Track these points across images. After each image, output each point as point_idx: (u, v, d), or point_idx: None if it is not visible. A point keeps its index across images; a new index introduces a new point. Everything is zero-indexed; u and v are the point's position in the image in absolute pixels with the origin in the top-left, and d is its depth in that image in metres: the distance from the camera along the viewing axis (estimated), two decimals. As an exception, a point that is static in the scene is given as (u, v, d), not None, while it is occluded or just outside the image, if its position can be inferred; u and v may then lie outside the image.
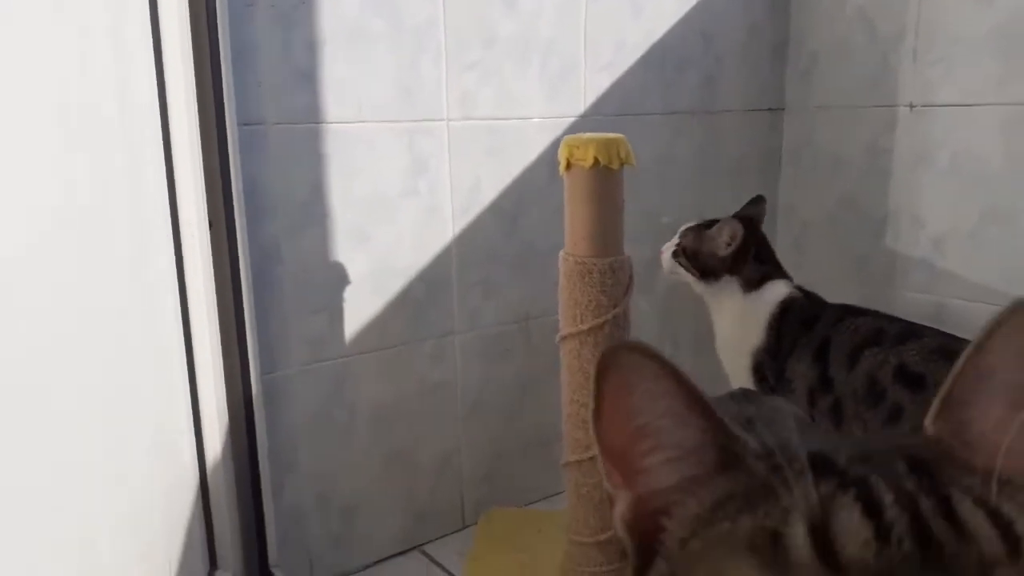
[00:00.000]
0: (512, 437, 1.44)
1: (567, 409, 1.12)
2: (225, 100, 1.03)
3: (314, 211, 1.19)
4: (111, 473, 0.75)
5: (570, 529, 1.14)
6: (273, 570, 1.15)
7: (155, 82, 0.94)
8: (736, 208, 1.50)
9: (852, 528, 0.26)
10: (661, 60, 1.53)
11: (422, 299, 1.31)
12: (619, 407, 0.35)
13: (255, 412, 1.12)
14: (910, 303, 1.58)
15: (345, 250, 1.23)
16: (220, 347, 1.06)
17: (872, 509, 0.27)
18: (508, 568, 1.20)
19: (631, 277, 1.10)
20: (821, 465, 0.29)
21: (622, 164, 1.05)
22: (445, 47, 1.26)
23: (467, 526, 1.40)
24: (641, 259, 1.55)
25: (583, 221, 1.06)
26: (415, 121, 1.26)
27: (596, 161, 1.03)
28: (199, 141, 1.01)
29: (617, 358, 0.34)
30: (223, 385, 1.07)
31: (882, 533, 0.26)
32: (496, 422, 1.42)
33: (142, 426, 0.87)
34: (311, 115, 1.16)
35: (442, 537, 1.38)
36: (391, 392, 1.30)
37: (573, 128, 1.42)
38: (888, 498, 0.27)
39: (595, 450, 1.04)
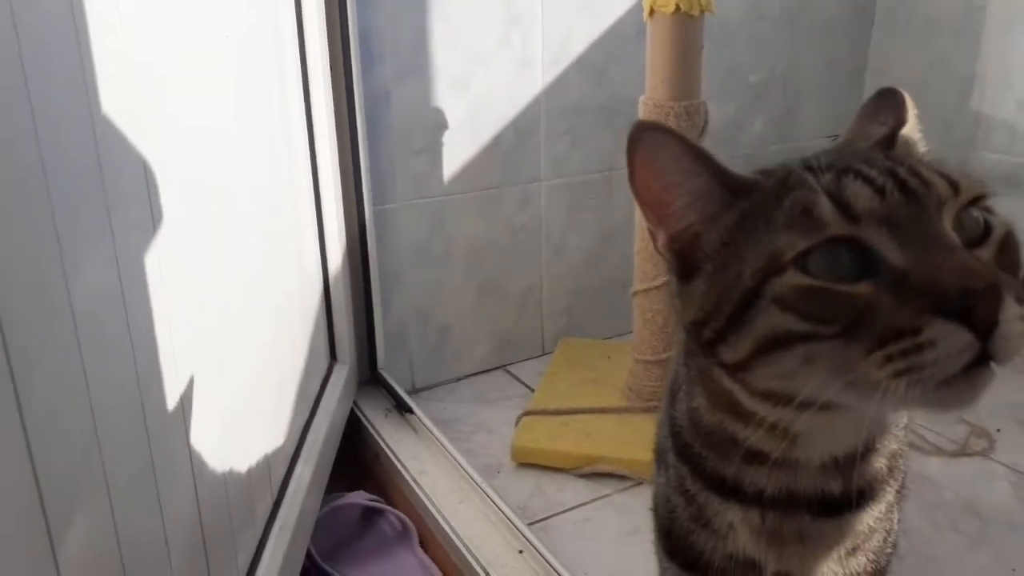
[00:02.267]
0: (591, 278, 1.59)
1: (638, 244, 1.25)
2: (342, -48, 1.15)
3: (419, 59, 1.32)
4: (270, 279, 0.94)
5: (636, 350, 1.30)
6: (381, 371, 1.36)
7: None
8: (825, 67, 1.54)
9: (858, 191, 0.41)
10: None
11: (513, 146, 1.44)
12: (647, 169, 0.47)
13: (367, 236, 1.30)
14: (990, 164, 1.61)
15: (445, 97, 1.35)
16: (339, 179, 1.23)
17: (868, 179, 0.41)
18: (578, 383, 1.38)
19: (706, 121, 1.19)
20: (819, 166, 0.43)
21: (702, 11, 1.13)
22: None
23: (546, 353, 1.58)
24: (725, 116, 1.63)
25: (662, 66, 1.15)
26: (511, -25, 1.34)
27: (677, 7, 1.11)
28: (319, -9, 1.14)
29: (642, 135, 0.47)
30: (342, 211, 1.24)
31: (878, 191, 0.41)
32: (577, 263, 1.57)
33: (288, 240, 1.05)
34: (417, -33, 1.26)
35: (524, 360, 1.56)
36: (483, 229, 1.46)
37: (662, -16, 1.47)
38: (875, 171, 0.42)
39: (661, 279, 1.17)
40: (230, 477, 0.76)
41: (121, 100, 0.54)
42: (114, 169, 0.54)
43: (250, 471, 0.82)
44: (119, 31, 0.55)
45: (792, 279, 0.41)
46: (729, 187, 0.47)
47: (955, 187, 0.41)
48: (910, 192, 0.41)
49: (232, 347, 0.78)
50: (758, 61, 1.66)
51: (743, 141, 1.69)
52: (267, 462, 0.88)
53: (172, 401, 0.63)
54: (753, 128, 1.70)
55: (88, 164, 0.51)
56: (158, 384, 0.60)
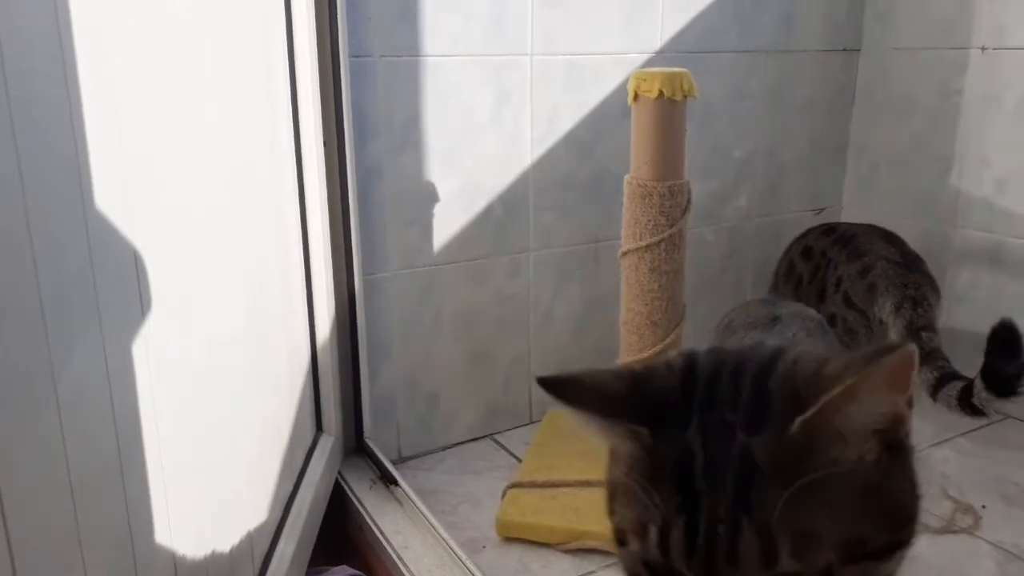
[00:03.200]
0: (578, 346, 1.60)
1: (624, 316, 1.26)
2: (339, 35, 1.20)
3: (411, 135, 1.35)
4: (258, 355, 0.95)
5: (623, 422, 1.31)
6: (367, 440, 1.36)
7: (284, 23, 1.11)
8: (807, 143, 1.59)
9: (676, 542, 0.42)
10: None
11: (502, 218, 1.47)
12: None
13: (357, 306, 1.32)
14: (969, 240, 1.65)
15: (436, 171, 1.39)
16: (330, 249, 1.25)
17: (691, 530, 0.42)
18: (566, 454, 1.37)
19: (689, 200, 1.22)
20: (680, 478, 0.43)
21: (685, 96, 1.17)
22: (531, -12, 1.39)
23: (534, 421, 1.58)
24: (711, 191, 1.67)
25: (647, 147, 1.18)
26: (502, 55, 1.40)
27: (661, 93, 1.15)
28: (318, 72, 1.18)
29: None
30: (331, 282, 1.26)
31: (691, 549, 0.42)
32: (564, 332, 1.59)
33: (276, 314, 1.07)
34: (412, 49, 1.31)
35: (511, 429, 1.57)
36: (472, 299, 1.48)
37: (649, 63, 1.53)
38: (703, 525, 0.42)
39: (648, 351, 1.19)
40: (212, 559, 0.75)
41: (113, 193, 0.57)
42: (105, 260, 0.55)
43: (232, 550, 0.82)
44: (115, 128, 0.57)
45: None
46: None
47: (772, 567, 0.40)
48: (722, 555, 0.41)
49: (217, 425, 0.79)
50: (741, 138, 1.71)
51: (727, 215, 1.73)
52: (250, 539, 0.88)
53: (154, 484, 0.63)
54: (737, 202, 1.74)
55: (79, 255, 0.53)
56: (140, 467, 0.61)
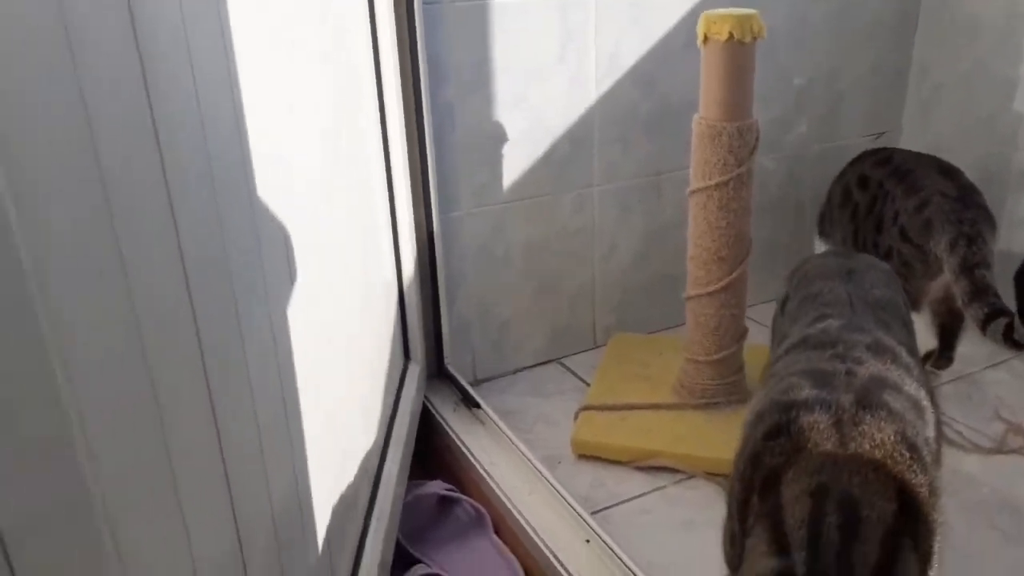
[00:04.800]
0: (640, 275, 1.68)
1: (692, 252, 1.33)
2: (414, -17, 1.23)
3: (481, 78, 1.40)
4: (363, 287, 1.04)
5: (687, 350, 1.39)
6: (447, 366, 1.47)
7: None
8: (868, 68, 1.59)
9: None
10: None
11: (567, 155, 1.53)
12: None
13: (435, 243, 1.40)
14: (1030, 165, 1.65)
15: (505, 111, 1.44)
16: (410, 191, 1.33)
17: None
18: (631, 378, 1.47)
19: (757, 139, 1.26)
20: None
21: (754, 38, 1.19)
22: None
23: (598, 346, 1.68)
24: (771, 118, 1.69)
25: (716, 89, 1.22)
26: (567, -6, 1.42)
27: (730, 36, 1.18)
28: (394, 20, 1.23)
29: None
30: (412, 221, 1.35)
31: None
32: (627, 262, 1.66)
33: (374, 255, 1.16)
34: (481, -8, 1.35)
35: (577, 353, 1.67)
36: (539, 233, 1.55)
37: (711, -5, 1.53)
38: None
39: (713, 285, 1.26)
40: (342, 480, 0.87)
41: (267, 187, 0.65)
42: (267, 242, 0.64)
43: (355, 472, 0.94)
44: (270, 136, 0.65)
45: None
46: None
47: None
48: None
49: (342, 365, 0.89)
50: (802, 65, 1.71)
51: (787, 142, 1.75)
52: (365, 461, 1.00)
53: (307, 414, 0.74)
54: (798, 129, 1.76)
55: (250, 241, 0.61)
56: (296, 411, 0.71)
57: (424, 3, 1.29)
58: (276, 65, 0.70)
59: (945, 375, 1.50)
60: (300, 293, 0.71)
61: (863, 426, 0.69)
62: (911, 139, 1.85)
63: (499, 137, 1.46)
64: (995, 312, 1.28)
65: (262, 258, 0.63)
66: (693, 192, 1.29)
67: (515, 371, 1.62)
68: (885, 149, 1.64)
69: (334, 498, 0.83)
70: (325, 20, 0.90)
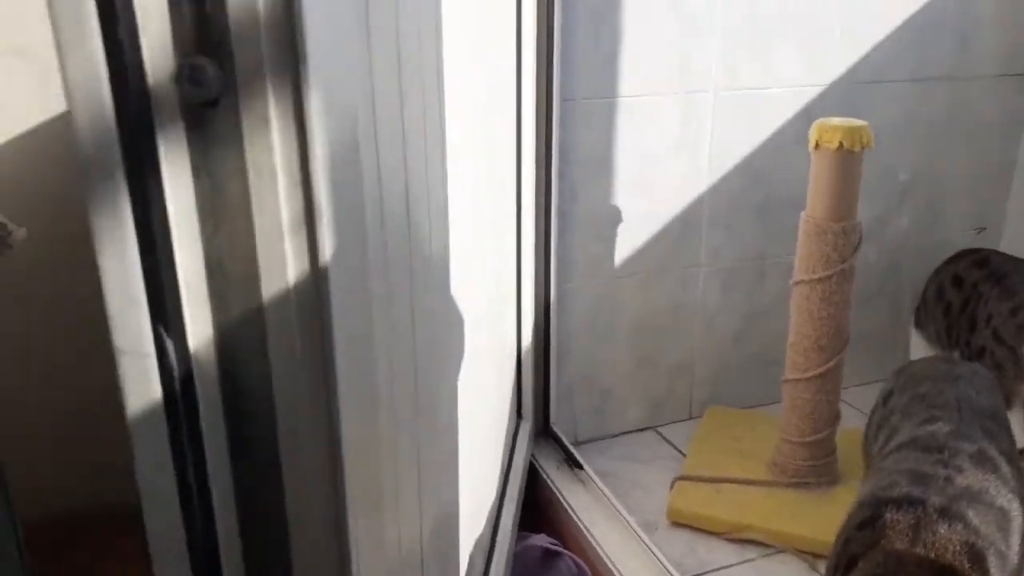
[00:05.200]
0: (738, 353, 1.76)
1: (792, 338, 1.42)
2: (553, 82, 1.39)
3: (603, 165, 1.54)
4: (496, 342, 1.18)
5: (783, 431, 1.47)
6: (552, 426, 1.59)
7: (515, 74, 1.31)
8: (971, 168, 1.66)
9: None
10: (916, 26, 1.67)
11: (677, 236, 1.64)
12: None
13: (551, 310, 1.53)
14: None
15: (622, 195, 1.57)
16: (534, 262, 1.47)
17: None
18: (726, 452, 1.55)
19: (860, 238, 1.35)
20: None
21: (863, 148, 1.29)
22: (717, 27, 1.53)
23: (693, 417, 1.76)
24: (874, 213, 1.77)
25: (824, 191, 1.32)
26: (687, 92, 1.55)
27: (840, 145, 1.28)
28: (534, 113, 1.39)
29: None
30: (533, 289, 1.48)
31: None
32: (726, 339, 1.75)
33: (504, 312, 1.30)
34: (609, 91, 1.49)
35: (673, 423, 1.75)
36: (646, 307, 1.66)
37: (823, 95, 1.64)
38: None
39: (811, 371, 1.34)
40: (474, 521, 1.00)
41: (457, 282, 0.79)
42: (454, 325, 0.78)
43: (483, 516, 1.06)
44: (461, 234, 0.80)
45: None
46: None
47: None
48: None
49: (482, 418, 1.02)
50: (907, 160, 1.78)
51: (889, 235, 1.82)
52: (488, 505, 1.12)
53: (462, 462, 0.87)
54: (899, 223, 1.82)
55: (444, 326, 0.76)
56: (455, 454, 0.84)
57: (562, 99, 1.44)
58: (469, 172, 0.85)
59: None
60: (466, 363, 0.85)
61: (938, 531, 0.77)
62: (1013, 237, 1.88)
63: (615, 217, 1.59)
64: None
65: (451, 337, 0.77)
66: (797, 283, 1.38)
67: (612, 435, 1.72)
68: (982, 250, 1.69)
69: (470, 543, 0.96)
70: (497, 125, 1.06)
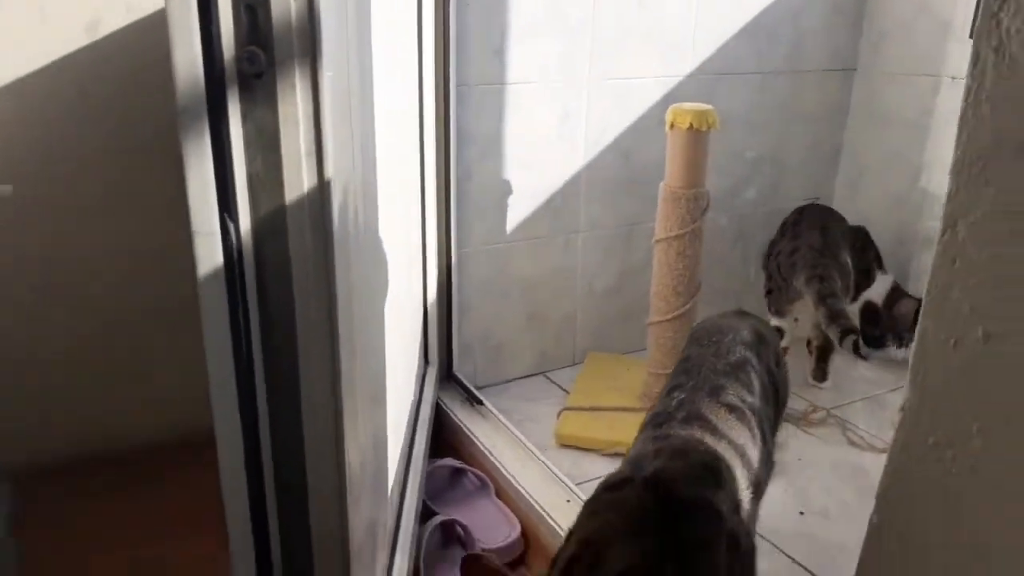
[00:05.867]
0: (613, 306, 2.04)
1: (655, 288, 1.69)
2: (450, 69, 1.61)
3: (495, 145, 1.77)
4: (409, 297, 1.39)
5: (649, 365, 1.75)
6: (456, 372, 1.81)
7: (416, 62, 1.52)
8: (806, 149, 1.99)
9: None
10: (758, 27, 1.99)
11: (560, 207, 1.89)
12: None
13: (452, 272, 1.75)
14: (931, 229, 2.06)
15: (511, 171, 1.81)
16: (436, 230, 1.68)
17: None
18: (604, 389, 1.82)
19: (708, 203, 1.64)
20: None
21: (709, 128, 1.58)
22: (589, 28, 1.78)
23: (576, 363, 2.03)
24: (726, 186, 2.08)
25: (678, 164, 1.60)
26: (566, 81, 1.80)
27: (691, 125, 1.56)
28: (434, 98, 1.60)
29: None
30: (436, 254, 1.70)
31: None
32: (603, 295, 2.02)
33: (412, 271, 1.50)
34: (499, 78, 1.72)
35: (559, 368, 2.01)
36: (534, 269, 1.91)
37: (680, 85, 1.93)
38: None
39: (672, 313, 1.64)
40: (395, 441, 1.20)
41: (382, 227, 1.00)
42: (380, 264, 0.99)
43: (399, 439, 1.27)
44: (384, 191, 1.01)
45: None
46: None
47: None
48: None
49: (399, 352, 1.23)
50: (753, 142, 2.11)
51: (738, 204, 2.14)
52: (402, 436, 1.33)
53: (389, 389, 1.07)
54: (747, 194, 2.15)
55: (374, 262, 0.96)
56: (383, 381, 1.05)
57: (457, 85, 1.66)
58: (389, 141, 1.05)
59: (857, 394, 1.88)
60: (389, 299, 1.06)
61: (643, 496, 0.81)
62: (839, 207, 2.25)
63: (506, 191, 1.82)
64: (846, 331, 1.69)
65: (378, 274, 0.97)
66: (658, 241, 1.66)
67: (507, 381, 1.96)
68: (814, 205, 2.06)
69: (394, 462, 1.16)
70: (408, 105, 1.27)
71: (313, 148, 0.53)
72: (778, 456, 1.61)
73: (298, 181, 0.54)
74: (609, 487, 0.88)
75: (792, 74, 2.10)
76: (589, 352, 2.03)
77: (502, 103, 1.75)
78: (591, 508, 0.86)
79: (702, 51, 1.95)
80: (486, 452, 1.55)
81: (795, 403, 1.80)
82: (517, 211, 1.85)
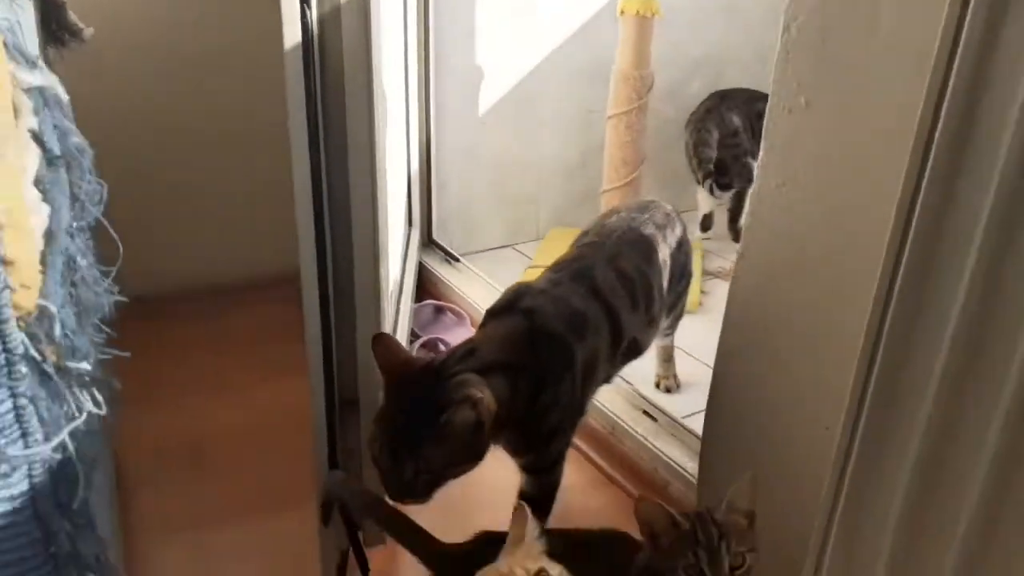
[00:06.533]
0: (572, 186, 2.30)
1: (606, 159, 1.96)
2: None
3: (468, 37, 1.99)
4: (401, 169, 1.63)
5: (603, 230, 2.02)
6: (435, 238, 2.07)
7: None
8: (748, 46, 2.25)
9: None
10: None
11: (530, 94, 2.13)
12: None
13: (431, 148, 2.00)
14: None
15: (486, 62, 2.03)
16: (417, 107, 1.92)
17: None
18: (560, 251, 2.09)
19: (652, 82, 1.89)
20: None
21: (653, 15, 1.82)
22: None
23: (540, 238, 2.30)
24: (673, 79, 2.32)
25: (627, 47, 1.85)
26: (531, -23, 2.02)
27: (637, 12, 1.81)
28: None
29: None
30: (418, 132, 1.94)
31: None
32: (565, 175, 2.28)
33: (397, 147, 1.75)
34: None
35: (525, 242, 2.28)
36: (503, 151, 2.15)
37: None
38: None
39: (621, 181, 1.93)
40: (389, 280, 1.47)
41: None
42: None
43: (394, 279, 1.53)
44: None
45: None
46: None
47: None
48: None
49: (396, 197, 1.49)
50: (700, 38, 2.35)
51: (683, 95, 2.39)
52: (396, 274, 1.60)
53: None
54: (692, 88, 2.40)
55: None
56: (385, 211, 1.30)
57: None
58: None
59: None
60: (388, 139, 1.31)
61: None
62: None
63: (479, 77, 2.06)
64: (707, 174, 2.15)
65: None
66: (610, 117, 1.92)
67: (480, 251, 2.23)
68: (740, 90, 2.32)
69: (388, 292, 1.43)
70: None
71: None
72: (708, 301, 1.92)
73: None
74: (493, 313, 1.13)
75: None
76: (551, 227, 2.30)
77: (473, 37, 1.97)
78: (483, 322, 1.13)
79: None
80: (462, 295, 1.83)
81: (723, 262, 2.10)
82: (491, 94, 2.09)
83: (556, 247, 2.21)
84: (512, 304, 1.13)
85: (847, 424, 0.85)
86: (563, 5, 2.09)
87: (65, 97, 0.66)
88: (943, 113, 0.71)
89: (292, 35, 0.76)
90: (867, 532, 0.88)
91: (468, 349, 1.02)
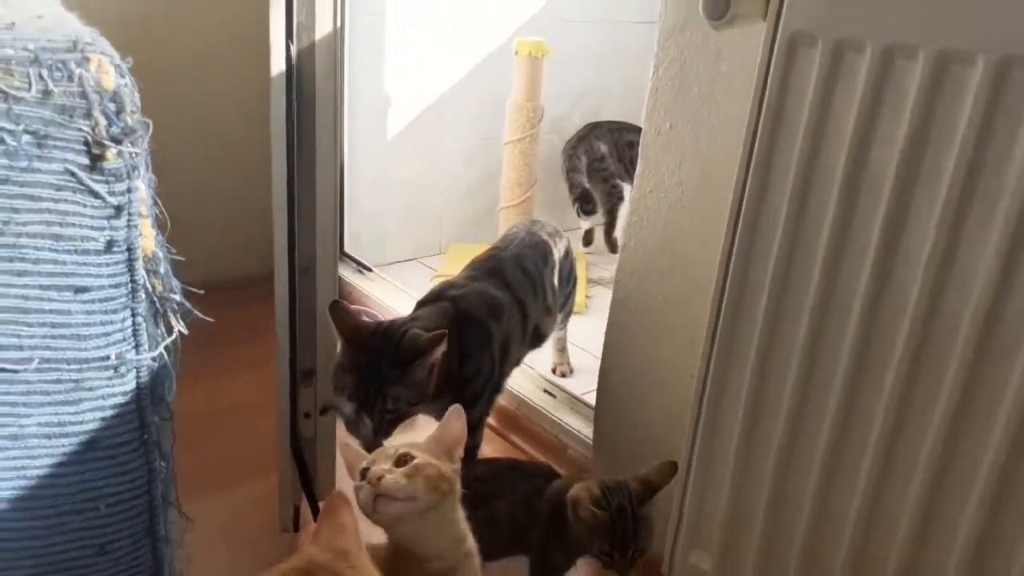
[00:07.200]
0: (473, 206, 2.54)
1: (503, 181, 2.22)
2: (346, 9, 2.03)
3: (376, 68, 2.21)
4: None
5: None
6: (347, 250, 2.25)
7: None
8: (620, 85, 2.58)
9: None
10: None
11: (431, 121, 2.36)
12: None
13: (343, 171, 2.19)
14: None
15: (392, 81, 2.25)
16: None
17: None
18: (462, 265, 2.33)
19: (542, 114, 2.17)
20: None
21: (543, 56, 2.11)
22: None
23: (442, 252, 2.52)
24: (559, 113, 2.62)
25: (520, 83, 2.13)
26: (430, 27, 2.26)
27: (529, 53, 2.08)
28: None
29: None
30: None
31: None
32: (465, 196, 2.52)
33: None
34: (380, 10, 2.16)
35: (429, 256, 2.50)
36: (410, 173, 2.37)
37: (530, 22, 2.44)
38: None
39: (516, 200, 2.21)
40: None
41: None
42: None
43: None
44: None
45: None
46: None
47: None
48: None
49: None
50: (578, 78, 2.66)
51: (567, 127, 2.70)
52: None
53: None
54: (574, 120, 2.71)
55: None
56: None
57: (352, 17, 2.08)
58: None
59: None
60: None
61: None
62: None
63: (386, 103, 2.27)
64: (575, 199, 2.49)
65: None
66: (507, 143, 2.18)
67: (389, 264, 2.43)
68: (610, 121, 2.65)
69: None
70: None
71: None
72: (592, 303, 2.19)
73: (323, 25, 0.99)
74: (422, 303, 1.34)
75: (613, 23, 2.68)
76: (452, 243, 2.53)
77: (382, 36, 2.19)
78: (415, 309, 1.33)
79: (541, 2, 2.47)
80: (377, 300, 2.02)
81: (603, 272, 2.40)
82: (396, 124, 2.30)
83: (457, 260, 2.45)
84: (439, 294, 1.35)
85: (700, 377, 1.13)
86: (464, 44, 2.35)
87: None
88: (758, 131, 1.00)
89: (278, 64, 0.96)
90: (717, 457, 1.16)
91: (411, 317, 1.23)
